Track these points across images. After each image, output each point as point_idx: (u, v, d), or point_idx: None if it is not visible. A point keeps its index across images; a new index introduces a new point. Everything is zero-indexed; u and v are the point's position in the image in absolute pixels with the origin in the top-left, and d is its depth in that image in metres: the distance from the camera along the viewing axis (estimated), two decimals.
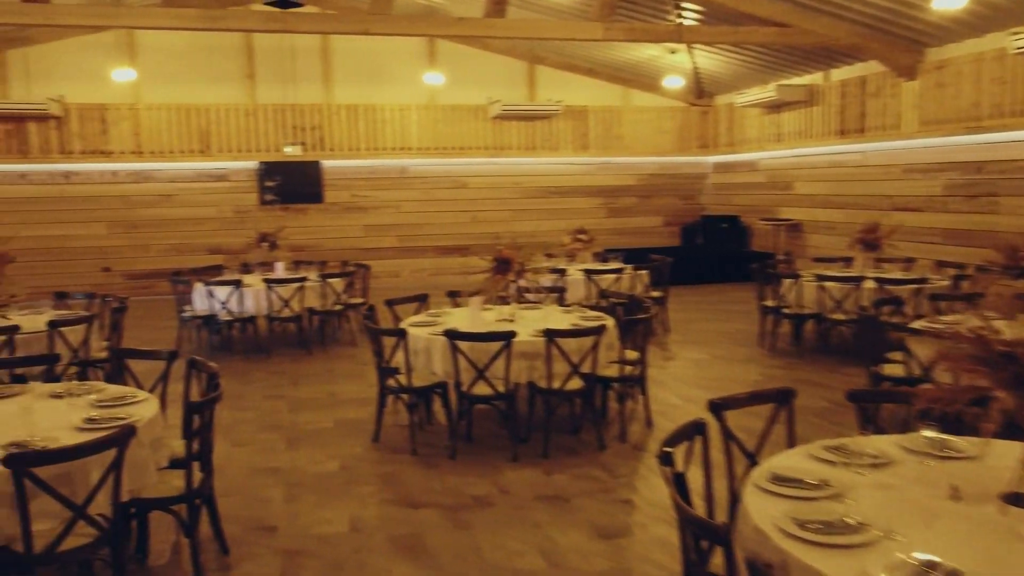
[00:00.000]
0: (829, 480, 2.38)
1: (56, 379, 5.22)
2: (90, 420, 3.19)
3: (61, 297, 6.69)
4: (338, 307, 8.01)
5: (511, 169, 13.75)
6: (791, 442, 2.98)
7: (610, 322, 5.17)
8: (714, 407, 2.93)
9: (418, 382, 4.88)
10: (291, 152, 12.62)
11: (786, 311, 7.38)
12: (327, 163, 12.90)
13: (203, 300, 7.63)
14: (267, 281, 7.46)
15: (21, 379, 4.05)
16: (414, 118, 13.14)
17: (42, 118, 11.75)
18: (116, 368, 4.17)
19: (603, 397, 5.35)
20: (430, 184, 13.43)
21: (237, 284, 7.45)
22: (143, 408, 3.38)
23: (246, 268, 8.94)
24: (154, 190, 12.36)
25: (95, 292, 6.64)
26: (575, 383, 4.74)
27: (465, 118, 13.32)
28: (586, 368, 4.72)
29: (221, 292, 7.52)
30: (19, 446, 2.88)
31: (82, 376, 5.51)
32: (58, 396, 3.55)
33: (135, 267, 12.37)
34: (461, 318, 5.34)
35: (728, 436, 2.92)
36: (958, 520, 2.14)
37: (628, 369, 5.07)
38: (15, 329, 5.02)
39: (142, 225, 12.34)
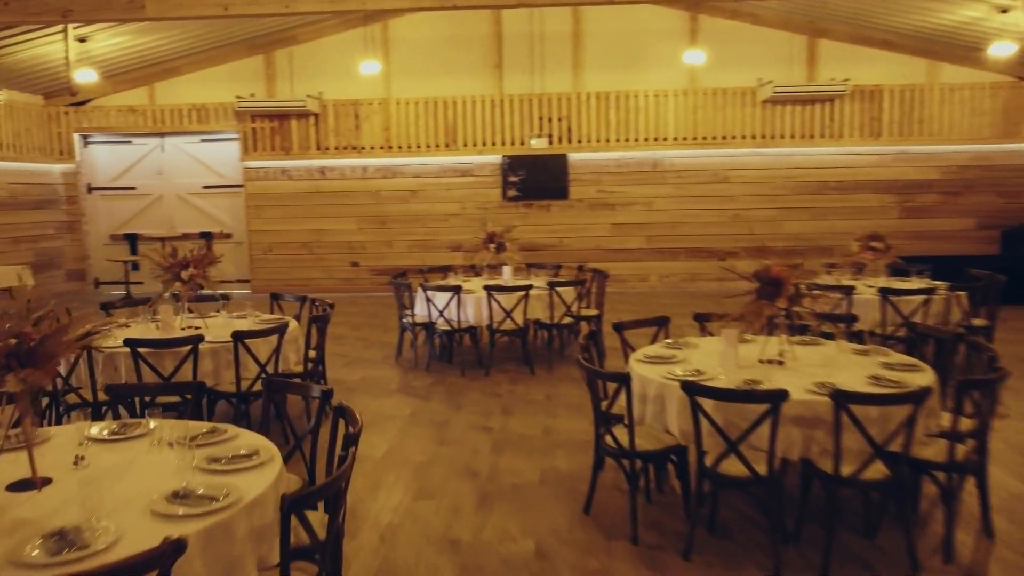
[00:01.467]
0: None
1: (219, 398, 4.69)
2: (179, 495, 2.34)
3: (275, 299, 6.28)
4: (568, 319, 6.94)
5: (782, 161, 11.87)
6: None
7: (930, 378, 3.55)
8: None
9: (646, 443, 3.62)
10: (537, 145, 11.84)
11: None
12: (574, 156, 11.95)
13: (423, 305, 6.94)
14: (488, 289, 6.57)
15: (158, 406, 3.39)
16: (671, 105, 11.76)
17: (302, 115, 12.01)
18: (267, 401, 3.38)
19: (915, 483, 3.72)
20: (686, 178, 11.97)
21: (456, 291, 6.65)
22: (257, 477, 2.49)
23: (475, 271, 8.20)
24: (401, 185, 12.19)
25: (306, 295, 6.15)
26: (877, 469, 3.21)
27: (730, 103, 11.68)
28: (894, 446, 3.18)
29: (440, 298, 6.77)
30: (60, 538, 2.09)
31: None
32: (171, 445, 2.80)
33: (381, 263, 12.30)
34: (709, 356, 3.99)
35: None
36: None
37: (960, 450, 3.42)
38: (199, 340, 4.50)
39: (389, 220, 12.23)
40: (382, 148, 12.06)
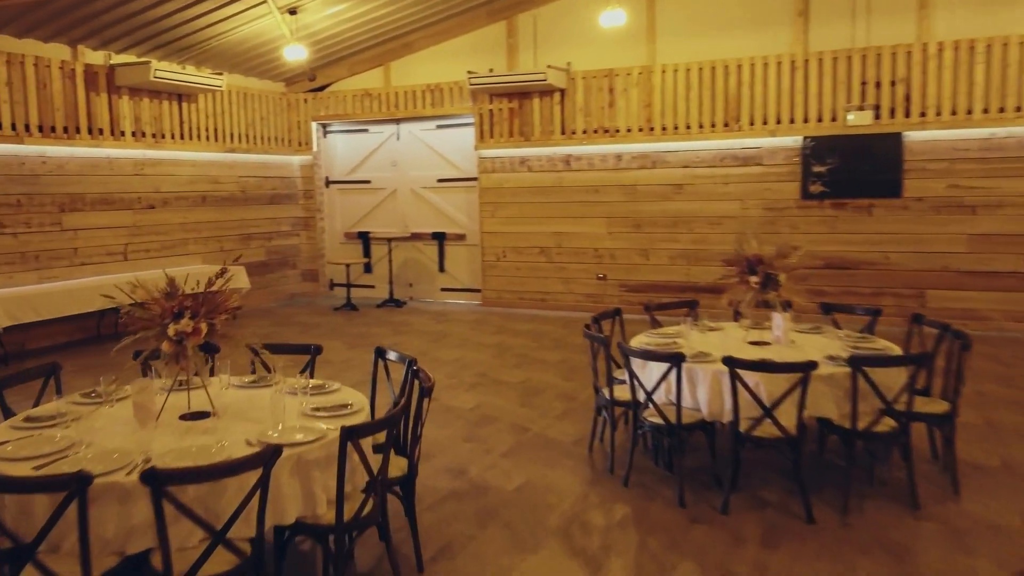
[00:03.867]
0: None
1: None
2: None
3: (380, 355, 3.96)
4: (887, 427, 3.80)
5: None
6: None
7: None
8: None
9: None
10: (855, 121, 8.38)
11: None
12: (912, 136, 8.28)
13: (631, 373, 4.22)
14: (730, 364, 3.67)
15: None
16: None
17: (545, 92, 9.77)
18: None
19: None
20: None
21: (675, 362, 3.83)
22: None
23: (736, 312, 5.26)
24: (663, 178, 9.42)
25: (414, 359, 3.74)
26: None
27: None
28: None
29: (651, 371, 4.03)
30: None
31: None
32: None
33: (633, 277, 9.66)
34: None
35: None
36: None
37: None
38: (84, 481, 2.30)
39: (646, 223, 9.54)
40: (641, 130, 9.39)
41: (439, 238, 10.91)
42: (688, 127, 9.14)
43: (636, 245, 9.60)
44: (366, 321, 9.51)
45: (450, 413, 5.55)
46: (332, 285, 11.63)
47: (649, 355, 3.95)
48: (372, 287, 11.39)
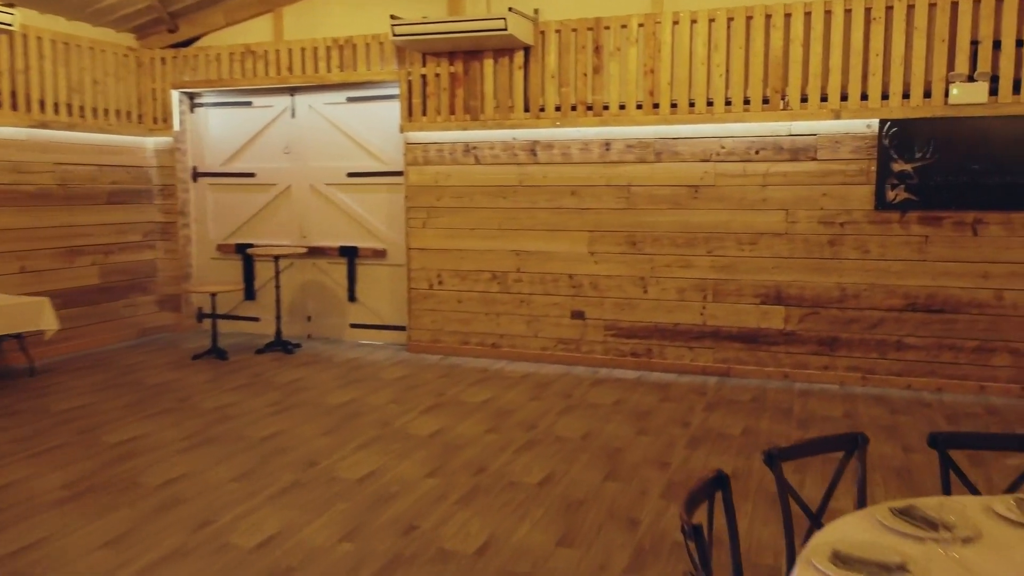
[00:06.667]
0: None
1: None
2: None
3: None
4: None
5: None
6: None
7: None
8: None
9: None
10: (962, 97, 5.71)
11: None
12: None
13: None
14: None
15: None
16: None
17: (503, 49, 6.83)
18: None
19: None
20: None
21: None
22: None
23: None
24: (671, 175, 6.59)
25: None
26: None
27: None
28: None
29: None
30: None
31: None
32: None
33: (625, 317, 6.80)
34: None
35: None
36: None
37: None
38: None
39: (645, 240, 6.69)
40: (640, 108, 6.54)
41: (349, 255, 7.84)
42: (710, 104, 6.34)
43: (631, 271, 6.74)
44: (236, 380, 6.39)
45: None
46: (201, 316, 8.43)
47: None
48: (257, 320, 8.25)
